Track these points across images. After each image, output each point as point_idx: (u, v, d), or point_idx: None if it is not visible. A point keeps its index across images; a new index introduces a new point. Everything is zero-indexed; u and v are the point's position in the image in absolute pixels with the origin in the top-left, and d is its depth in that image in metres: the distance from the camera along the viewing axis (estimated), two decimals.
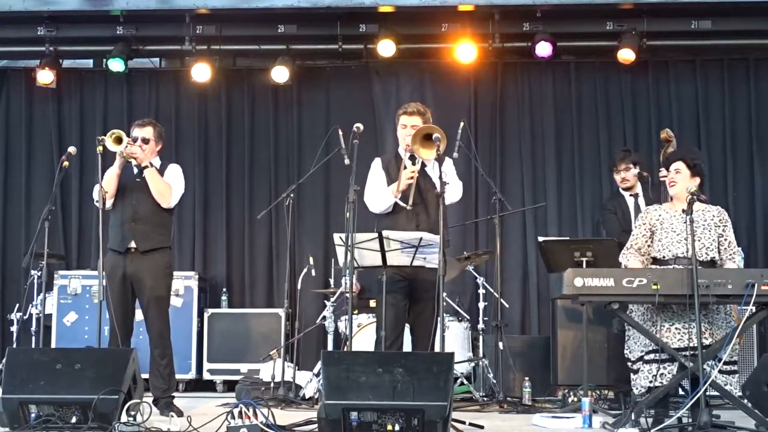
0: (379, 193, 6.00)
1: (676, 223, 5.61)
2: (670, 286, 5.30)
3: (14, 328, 8.37)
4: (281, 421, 5.18)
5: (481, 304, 8.07)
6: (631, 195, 7.34)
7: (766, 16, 8.49)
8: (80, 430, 5.00)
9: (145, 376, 6.07)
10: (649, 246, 5.71)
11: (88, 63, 9.79)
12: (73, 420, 5.05)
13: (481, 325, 7.98)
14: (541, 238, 7.91)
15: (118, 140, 6.12)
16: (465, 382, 7.56)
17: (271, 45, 9.08)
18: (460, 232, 8.85)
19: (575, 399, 7.01)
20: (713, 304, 5.42)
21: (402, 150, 6.09)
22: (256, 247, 9.43)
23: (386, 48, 8.69)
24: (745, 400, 5.50)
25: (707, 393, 5.16)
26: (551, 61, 9.06)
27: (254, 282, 9.41)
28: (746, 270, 5.69)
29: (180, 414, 5.88)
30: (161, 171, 6.42)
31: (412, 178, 5.84)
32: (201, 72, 9.04)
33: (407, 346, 6.15)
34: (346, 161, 6.09)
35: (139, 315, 6.42)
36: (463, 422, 5.52)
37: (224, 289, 9.15)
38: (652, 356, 5.48)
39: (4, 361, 5.37)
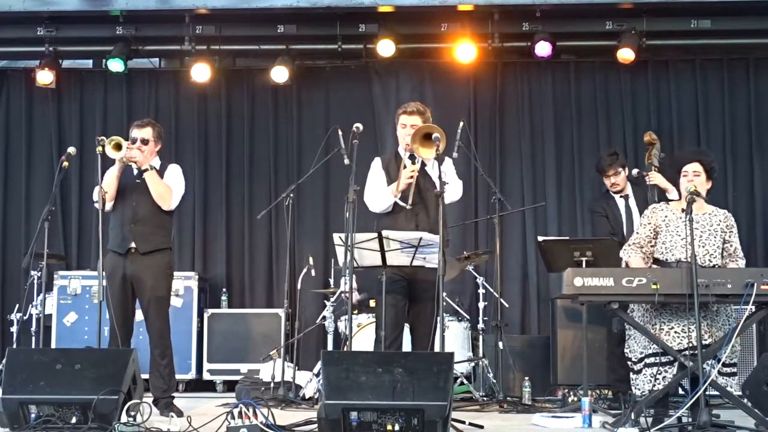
0: (379, 192, 6.01)
1: (681, 226, 5.56)
2: (670, 286, 5.30)
3: (14, 329, 8.36)
4: (281, 421, 5.18)
5: (481, 304, 8.07)
6: (621, 197, 7.33)
7: (765, 16, 8.49)
8: (80, 431, 5.01)
9: (145, 376, 6.07)
10: (651, 245, 5.70)
11: (88, 63, 9.79)
12: (73, 420, 5.05)
13: (480, 325, 7.98)
14: (540, 238, 7.91)
15: (118, 147, 6.10)
16: (465, 381, 7.56)
17: (270, 45, 9.07)
18: (459, 232, 8.85)
19: (575, 399, 7.01)
20: (713, 304, 5.41)
21: (402, 149, 6.09)
22: (255, 247, 9.43)
23: (386, 48, 8.69)
24: (745, 400, 5.50)
25: (707, 392, 5.16)
26: (551, 61, 9.06)
27: (254, 282, 9.41)
28: (746, 269, 5.67)
29: (180, 414, 5.88)
30: (161, 171, 6.42)
31: (411, 177, 5.84)
32: (201, 72, 9.04)
33: (407, 346, 6.15)
34: (346, 161, 6.09)
35: (139, 315, 6.42)
36: (463, 422, 5.53)
37: (224, 289, 9.15)
38: (653, 359, 5.47)
39: (4, 361, 5.37)
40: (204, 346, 8.63)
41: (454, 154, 6.17)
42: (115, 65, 8.92)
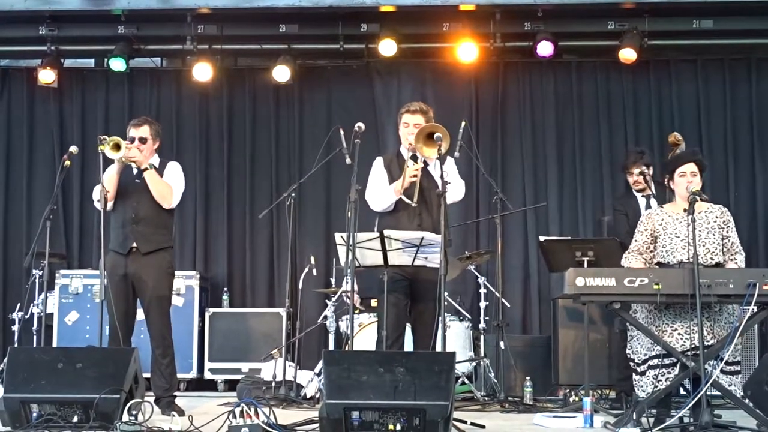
0: (381, 191, 6.00)
1: (680, 228, 5.58)
2: (672, 286, 5.29)
3: (16, 328, 8.38)
4: (282, 420, 5.18)
5: (483, 304, 8.07)
6: (643, 196, 7.27)
7: (767, 16, 8.49)
8: (82, 430, 5.01)
9: (147, 375, 6.09)
10: (651, 251, 5.70)
11: (90, 62, 9.79)
12: (75, 419, 5.06)
13: (482, 325, 7.98)
14: (542, 238, 7.91)
15: (117, 147, 6.10)
16: (466, 381, 7.56)
17: (272, 44, 9.08)
18: (461, 232, 8.85)
19: (576, 398, 7.01)
20: (716, 304, 5.41)
21: (404, 149, 6.09)
22: (257, 246, 9.43)
23: (387, 47, 8.68)
24: (747, 400, 5.49)
25: (709, 392, 5.16)
26: (552, 61, 9.06)
27: (255, 281, 9.41)
28: (748, 270, 5.67)
29: (181, 413, 5.88)
30: (160, 169, 6.41)
31: (415, 176, 5.83)
32: (202, 71, 9.04)
33: (408, 346, 6.15)
34: (348, 161, 6.08)
35: (140, 314, 6.42)
36: (465, 422, 5.52)
37: (225, 289, 9.15)
38: (656, 361, 5.46)
39: (5, 360, 5.37)
40: (205, 346, 8.63)
41: (456, 154, 6.16)
42: (117, 64, 8.92)
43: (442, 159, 5.71)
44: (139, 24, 8.86)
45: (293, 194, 7.52)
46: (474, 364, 7.81)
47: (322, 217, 9.38)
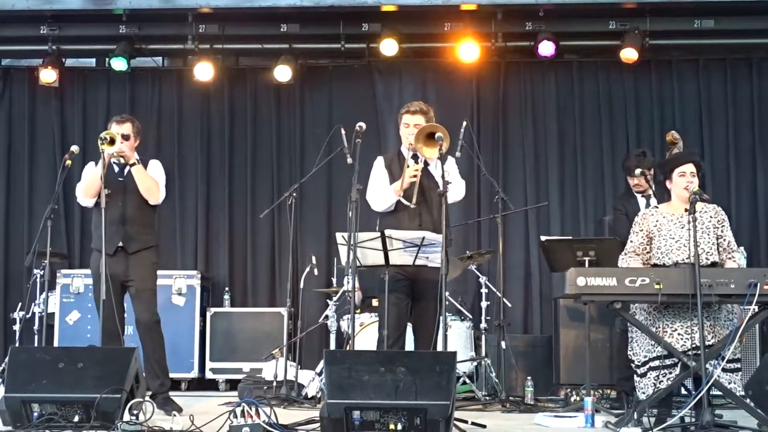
0: (382, 191, 6.00)
1: (675, 229, 5.58)
2: (673, 286, 5.29)
3: (17, 327, 8.37)
4: (284, 420, 5.18)
5: (484, 304, 8.06)
6: (643, 196, 7.27)
7: None
8: (83, 429, 5.01)
9: None
10: (647, 252, 5.69)
11: (91, 62, 9.79)
12: (76, 419, 5.06)
13: (483, 325, 7.97)
14: (543, 238, 7.91)
15: (112, 142, 6.12)
16: (467, 381, 7.56)
17: (273, 44, 9.08)
18: (462, 232, 8.84)
19: (578, 398, 7.01)
20: (716, 304, 5.41)
21: (405, 149, 6.08)
22: (258, 246, 9.43)
23: (389, 47, 8.68)
24: (748, 400, 5.49)
25: (710, 392, 5.16)
26: (554, 61, 9.06)
27: (256, 281, 9.41)
28: (749, 269, 5.69)
29: (179, 409, 5.86)
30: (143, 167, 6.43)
31: (415, 176, 5.83)
32: (204, 71, 9.04)
33: (409, 346, 6.15)
34: (349, 160, 6.08)
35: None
36: (466, 421, 5.52)
37: (226, 288, 9.15)
38: (657, 362, 5.46)
39: (6, 360, 5.37)
40: (206, 345, 8.63)
41: (457, 154, 6.16)
42: (118, 64, 8.92)
43: (442, 158, 5.72)
44: (140, 23, 8.86)
45: (294, 194, 7.52)
46: (475, 363, 7.81)
47: (324, 216, 9.37)
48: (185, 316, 8.50)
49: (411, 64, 9.39)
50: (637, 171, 7.18)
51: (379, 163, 6.16)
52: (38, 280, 8.22)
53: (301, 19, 8.78)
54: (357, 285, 7.41)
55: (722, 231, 5.66)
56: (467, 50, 8.79)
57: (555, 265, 7.36)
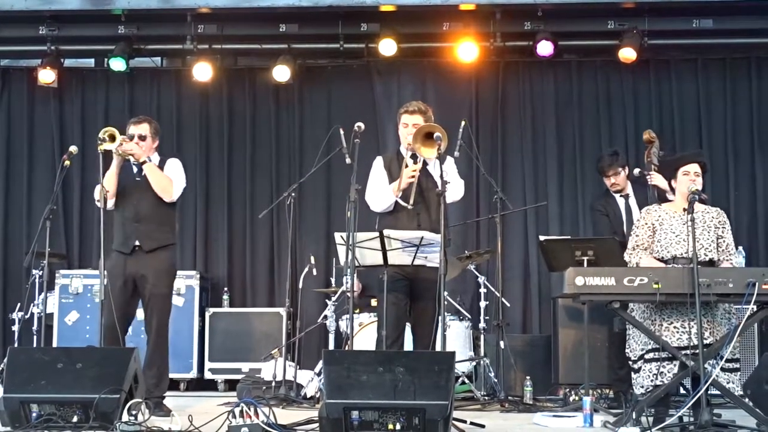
0: (380, 191, 6.00)
1: (675, 224, 5.62)
2: (672, 285, 5.29)
3: (16, 328, 8.38)
4: (282, 420, 5.18)
5: (482, 303, 8.07)
6: (621, 196, 7.32)
7: (767, 15, 8.48)
8: (81, 430, 5.01)
9: None
10: (653, 244, 5.70)
11: (90, 62, 9.79)
12: (75, 419, 5.06)
13: (482, 324, 7.98)
14: (542, 237, 7.91)
15: (112, 138, 6.13)
16: (466, 381, 7.56)
17: (272, 44, 9.08)
18: (461, 231, 8.84)
19: (576, 398, 7.01)
20: (714, 303, 5.41)
21: (403, 149, 6.09)
22: (257, 246, 9.43)
23: (387, 47, 8.69)
24: (746, 399, 5.49)
25: (708, 391, 5.16)
26: (552, 60, 9.06)
27: (255, 281, 9.41)
28: (747, 269, 5.70)
29: (168, 413, 5.83)
30: (160, 166, 6.42)
31: (413, 177, 5.84)
32: (202, 71, 9.05)
33: (408, 345, 6.15)
34: (348, 160, 6.09)
35: (140, 314, 6.42)
36: (465, 421, 5.52)
37: (225, 288, 9.15)
38: (652, 355, 5.48)
39: (5, 360, 5.37)
40: (205, 345, 8.64)
41: (456, 154, 6.16)
42: (117, 64, 8.93)
43: (441, 158, 5.72)
44: (139, 24, 8.87)
45: (293, 194, 7.52)
46: (474, 363, 7.81)
47: (322, 216, 9.38)
48: (184, 316, 8.50)
49: (410, 64, 9.39)
50: (611, 172, 7.20)
51: (378, 163, 6.16)
52: (37, 280, 8.23)
53: (300, 19, 8.79)
54: (357, 282, 7.42)
55: (722, 232, 5.68)
56: (466, 50, 8.79)
57: (554, 265, 7.36)
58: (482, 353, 7.78)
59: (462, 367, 7.50)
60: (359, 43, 9.06)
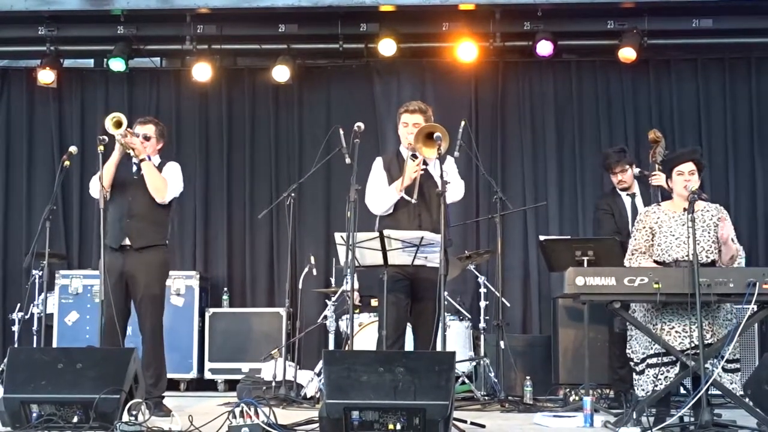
0: (381, 192, 5.98)
1: (675, 226, 5.60)
2: (672, 285, 5.29)
3: (16, 328, 8.37)
4: (283, 420, 5.18)
5: (483, 303, 8.07)
6: (628, 195, 7.29)
7: (767, 15, 8.49)
8: (82, 430, 5.01)
9: None
10: (652, 248, 5.69)
11: (89, 63, 9.79)
12: (75, 419, 5.05)
13: (482, 324, 7.98)
14: (542, 237, 7.90)
15: (118, 124, 6.15)
16: (466, 381, 7.56)
17: (271, 44, 9.08)
18: (461, 231, 8.84)
19: (576, 398, 7.01)
20: (715, 303, 5.41)
21: (403, 149, 6.08)
22: (257, 246, 9.43)
23: (387, 47, 8.69)
24: (747, 399, 5.49)
25: (709, 391, 5.16)
26: (552, 60, 9.06)
27: (255, 281, 9.41)
28: (748, 269, 5.68)
29: (168, 413, 5.83)
30: (159, 168, 6.43)
31: (417, 171, 5.81)
32: (202, 71, 9.04)
33: (409, 346, 6.15)
34: (347, 160, 6.08)
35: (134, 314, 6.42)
36: (465, 421, 5.52)
37: (225, 289, 9.15)
38: (655, 360, 5.46)
39: (5, 360, 5.37)
40: (205, 346, 8.63)
41: (456, 154, 6.16)
42: (117, 65, 8.92)
43: (441, 158, 5.71)
44: (138, 24, 8.86)
45: (293, 194, 7.52)
46: (474, 363, 7.81)
47: (322, 216, 9.37)
48: (184, 316, 8.49)
49: (409, 64, 9.39)
50: (618, 170, 7.19)
51: (378, 164, 6.15)
52: (37, 280, 8.23)
53: (300, 20, 8.79)
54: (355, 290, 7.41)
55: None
56: (465, 50, 8.79)
57: (554, 265, 7.36)
58: (482, 353, 7.78)
59: (462, 367, 7.50)
60: (359, 43, 9.06)
